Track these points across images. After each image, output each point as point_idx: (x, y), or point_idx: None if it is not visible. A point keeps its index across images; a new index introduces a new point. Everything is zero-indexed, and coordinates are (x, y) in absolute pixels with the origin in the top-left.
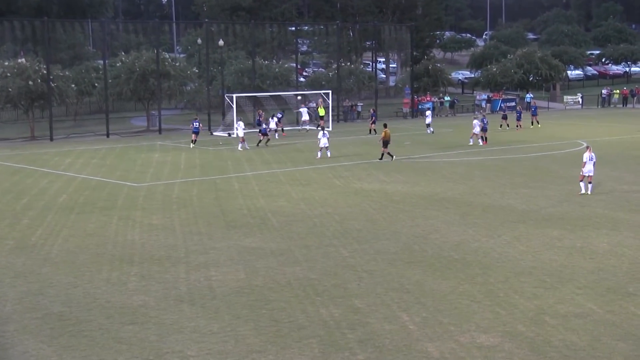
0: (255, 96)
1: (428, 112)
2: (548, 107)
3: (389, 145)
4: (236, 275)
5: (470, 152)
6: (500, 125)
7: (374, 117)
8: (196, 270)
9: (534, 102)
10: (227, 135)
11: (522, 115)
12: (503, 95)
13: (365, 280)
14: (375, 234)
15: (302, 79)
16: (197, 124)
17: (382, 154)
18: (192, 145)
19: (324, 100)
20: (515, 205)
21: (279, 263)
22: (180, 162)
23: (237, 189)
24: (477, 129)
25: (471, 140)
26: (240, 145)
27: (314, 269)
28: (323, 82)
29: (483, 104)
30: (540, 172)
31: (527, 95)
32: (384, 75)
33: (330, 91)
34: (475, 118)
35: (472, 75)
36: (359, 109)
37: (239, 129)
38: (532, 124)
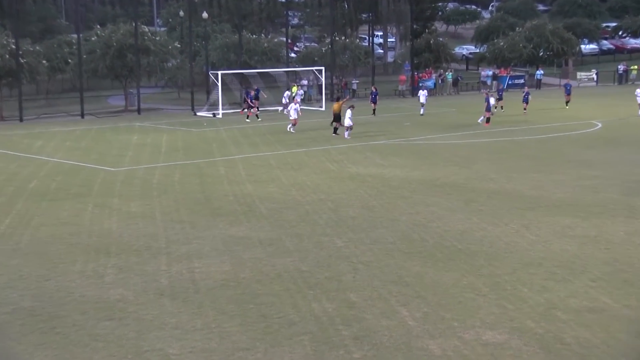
0: (242, 73)
1: (421, 92)
2: (560, 85)
3: (339, 121)
4: (221, 267)
5: (475, 134)
6: (495, 107)
7: (375, 96)
8: (178, 261)
9: (527, 89)
10: (211, 115)
11: (529, 97)
12: (511, 72)
13: (361, 272)
14: (371, 222)
15: (293, 55)
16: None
17: (335, 128)
18: (257, 118)
19: (317, 78)
20: (523, 190)
21: (267, 254)
22: (161, 145)
23: (222, 174)
24: (491, 103)
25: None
26: (290, 126)
27: (305, 260)
28: (316, 58)
29: (489, 81)
30: (550, 154)
31: (537, 72)
32: (382, 51)
33: (323, 68)
34: (489, 94)
35: (477, 50)
36: (354, 86)
37: (292, 110)
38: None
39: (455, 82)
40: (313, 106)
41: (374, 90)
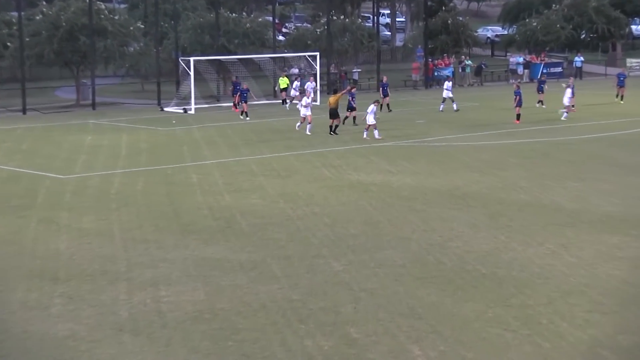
0: (219, 60)
1: (447, 83)
2: (606, 74)
3: (336, 117)
4: (194, 295)
5: (502, 134)
6: (539, 102)
7: (386, 89)
8: (141, 289)
9: (572, 80)
10: (182, 111)
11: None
12: (546, 59)
13: (363, 302)
14: (376, 242)
15: (281, 38)
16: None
17: (331, 127)
18: (245, 117)
19: (310, 66)
20: (561, 202)
21: (250, 279)
22: (121, 147)
23: (195, 182)
24: (567, 97)
25: (565, 113)
26: (307, 127)
27: (296, 287)
28: (309, 42)
29: (519, 70)
30: (594, 159)
31: (577, 59)
32: (389, 33)
33: (317, 53)
34: (566, 85)
35: (505, 32)
36: (355, 76)
37: (302, 106)
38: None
39: (479, 71)
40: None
41: (384, 82)
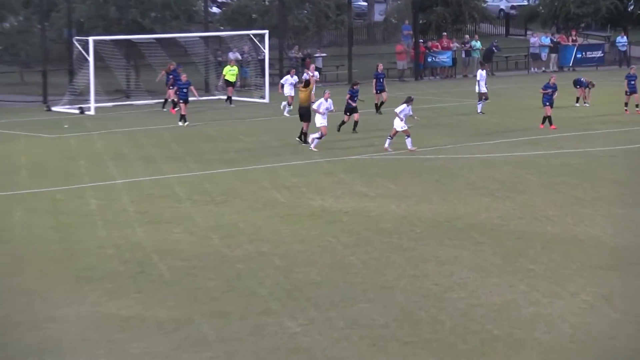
0: (129, 41)
1: (481, 73)
2: None
3: (308, 119)
4: None
5: (521, 143)
6: (577, 99)
7: (381, 80)
8: (23, 358)
9: (634, 69)
10: (77, 111)
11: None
12: (580, 39)
13: None
14: (348, 292)
15: (215, 10)
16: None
17: (302, 133)
18: (184, 123)
19: (256, 50)
20: (601, 237)
21: (172, 345)
22: None
23: (95, 211)
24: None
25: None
26: (286, 109)
27: (236, 356)
28: (254, 16)
29: (543, 55)
30: None
31: (620, 39)
32: (365, 3)
33: (267, 31)
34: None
35: (525, 3)
36: (319, 62)
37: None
38: (578, 101)
39: (488, 56)
40: (251, 96)
41: (379, 71)
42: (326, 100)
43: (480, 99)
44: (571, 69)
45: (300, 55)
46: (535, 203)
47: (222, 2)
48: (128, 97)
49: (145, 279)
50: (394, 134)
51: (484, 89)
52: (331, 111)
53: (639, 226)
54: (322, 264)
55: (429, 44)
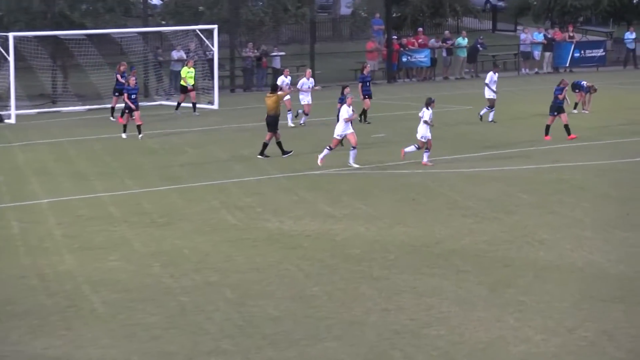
0: (56, 37)
1: (492, 75)
2: None
3: (275, 130)
4: None
5: (511, 156)
6: (576, 105)
7: (367, 84)
8: None
9: (593, 87)
10: None
11: None
12: (578, 36)
13: None
14: (310, 328)
15: (156, 2)
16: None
17: (264, 145)
18: (124, 134)
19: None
20: (603, 265)
21: None
22: None
23: (16, 234)
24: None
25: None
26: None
27: None
28: (201, 8)
29: (535, 53)
30: None
31: (627, 35)
32: None
33: (215, 27)
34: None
35: None
36: (277, 62)
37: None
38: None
39: (473, 55)
40: (198, 101)
41: (365, 74)
42: (349, 106)
43: (491, 106)
44: (568, 69)
45: (255, 53)
46: (527, 225)
47: None
48: (54, 103)
49: (75, 314)
50: (424, 145)
51: (492, 95)
52: (315, 88)
53: None
54: (280, 296)
55: (404, 41)
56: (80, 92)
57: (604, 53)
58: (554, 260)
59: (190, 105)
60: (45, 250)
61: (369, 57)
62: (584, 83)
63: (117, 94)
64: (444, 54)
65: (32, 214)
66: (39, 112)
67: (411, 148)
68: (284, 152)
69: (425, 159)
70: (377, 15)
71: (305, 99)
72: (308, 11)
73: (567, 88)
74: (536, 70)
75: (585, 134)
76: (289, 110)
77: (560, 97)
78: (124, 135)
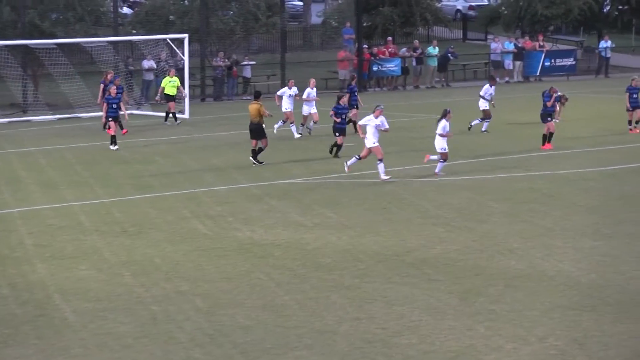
0: (27, 46)
1: (488, 88)
2: None
3: (261, 138)
4: None
5: (482, 165)
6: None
7: (355, 94)
8: None
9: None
10: None
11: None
12: (548, 45)
13: None
14: (281, 337)
15: (126, 11)
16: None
17: (254, 152)
18: (113, 147)
19: (176, 57)
20: (574, 273)
21: None
22: None
23: None
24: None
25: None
26: (381, 170)
27: None
28: (171, 17)
29: (507, 62)
30: (626, 202)
31: (602, 44)
32: (301, 2)
33: (186, 36)
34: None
35: (485, 3)
36: (247, 72)
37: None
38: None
39: (444, 65)
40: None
41: (353, 85)
42: (377, 116)
43: (485, 117)
44: (538, 78)
45: (226, 63)
46: (498, 234)
47: (134, 2)
48: (25, 112)
49: (46, 323)
50: (444, 156)
51: (486, 106)
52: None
53: (616, 260)
54: (250, 305)
55: (375, 50)
56: (51, 101)
57: (574, 62)
58: (524, 269)
59: (164, 114)
60: (16, 259)
61: (340, 66)
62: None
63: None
64: (414, 63)
65: (2, 223)
66: (9, 122)
67: (435, 157)
68: (256, 160)
69: (437, 170)
70: (348, 24)
71: (312, 109)
72: (279, 20)
73: (555, 95)
74: (507, 79)
75: (557, 143)
76: (291, 122)
77: (549, 104)
78: (112, 147)
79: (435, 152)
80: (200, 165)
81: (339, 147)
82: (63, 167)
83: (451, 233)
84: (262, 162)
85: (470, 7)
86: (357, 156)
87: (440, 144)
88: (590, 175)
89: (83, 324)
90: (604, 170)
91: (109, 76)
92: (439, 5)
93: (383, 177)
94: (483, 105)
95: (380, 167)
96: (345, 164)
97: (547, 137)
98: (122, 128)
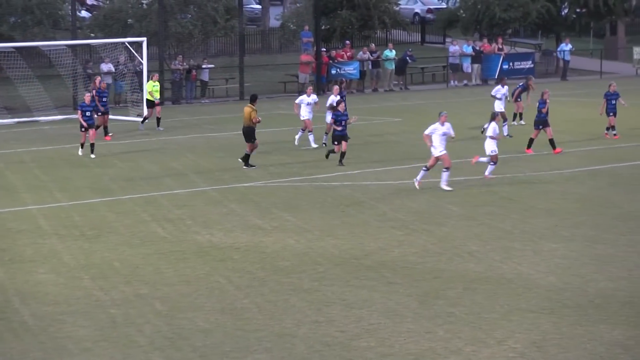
0: None
1: (500, 89)
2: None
3: (251, 140)
4: None
5: (440, 168)
6: (515, 116)
7: (342, 96)
8: None
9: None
10: None
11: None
12: (507, 48)
13: None
14: (240, 341)
15: (84, 14)
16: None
17: (247, 155)
18: (81, 151)
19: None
20: (533, 276)
21: None
22: None
23: None
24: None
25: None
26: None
27: None
28: (130, 21)
29: (465, 66)
30: (585, 206)
31: (563, 46)
32: (259, 6)
33: (144, 39)
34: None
35: (443, 6)
36: (205, 75)
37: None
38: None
39: (402, 68)
40: (127, 114)
41: (343, 91)
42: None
43: (504, 120)
44: (496, 81)
45: (184, 66)
46: (456, 237)
47: (93, 6)
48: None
49: (5, 327)
50: (494, 159)
51: (501, 108)
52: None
53: (575, 263)
54: (210, 308)
55: (333, 53)
56: (9, 105)
57: (532, 65)
58: (483, 272)
59: (126, 118)
60: None
61: (301, 70)
62: (522, 83)
63: (99, 112)
64: (370, 66)
65: None
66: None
67: (485, 159)
68: (246, 163)
69: (487, 172)
70: (306, 27)
71: (309, 115)
72: (237, 24)
73: (548, 100)
74: (465, 82)
75: (515, 147)
76: (310, 131)
77: (544, 110)
78: (80, 152)
79: (484, 155)
80: (159, 169)
81: (343, 154)
82: (22, 171)
83: (409, 236)
84: (253, 166)
85: (429, 11)
86: (424, 168)
87: (491, 146)
88: (548, 178)
89: (42, 327)
90: (562, 173)
91: (97, 82)
92: (397, 8)
93: (444, 186)
94: (498, 106)
95: (445, 175)
96: (415, 181)
97: (552, 143)
98: (106, 134)
